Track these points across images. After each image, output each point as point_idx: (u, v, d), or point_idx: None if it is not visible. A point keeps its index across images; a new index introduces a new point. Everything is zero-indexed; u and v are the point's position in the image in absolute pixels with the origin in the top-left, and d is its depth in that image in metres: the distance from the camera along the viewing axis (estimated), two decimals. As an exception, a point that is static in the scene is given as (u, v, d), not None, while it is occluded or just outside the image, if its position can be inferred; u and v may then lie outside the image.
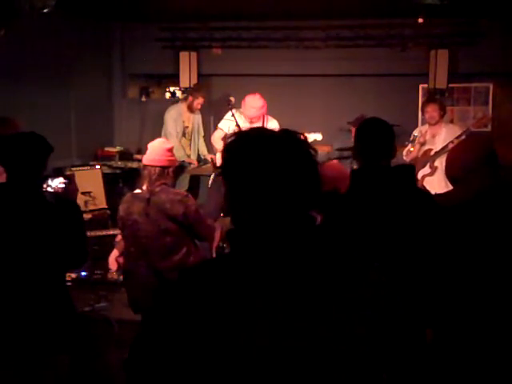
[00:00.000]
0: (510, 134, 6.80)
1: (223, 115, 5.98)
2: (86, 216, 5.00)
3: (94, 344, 3.89)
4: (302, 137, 1.30)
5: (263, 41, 7.32)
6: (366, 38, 7.10)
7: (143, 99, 8.21)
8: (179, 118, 6.79)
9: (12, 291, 2.61)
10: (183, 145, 6.83)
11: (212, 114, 7.50)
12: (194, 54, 7.47)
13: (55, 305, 2.67)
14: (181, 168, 5.65)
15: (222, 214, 5.02)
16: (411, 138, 5.73)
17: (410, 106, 7.24)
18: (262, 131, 1.33)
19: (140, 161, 3.42)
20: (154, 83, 8.41)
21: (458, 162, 2.56)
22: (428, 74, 6.95)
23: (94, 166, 6.38)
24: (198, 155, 6.98)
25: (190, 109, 6.80)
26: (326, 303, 1.20)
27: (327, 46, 7.23)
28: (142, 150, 6.78)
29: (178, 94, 8.07)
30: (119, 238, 3.70)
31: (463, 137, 5.37)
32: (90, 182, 5.65)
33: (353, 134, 4.98)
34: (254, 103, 5.67)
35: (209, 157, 6.62)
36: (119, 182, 6.93)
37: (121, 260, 3.65)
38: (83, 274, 5.16)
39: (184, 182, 6.54)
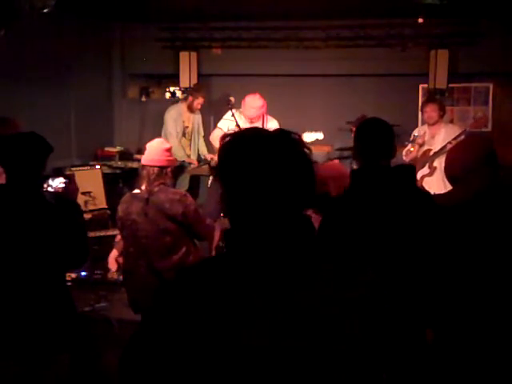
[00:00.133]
0: (510, 133, 6.79)
1: (223, 115, 5.97)
2: (86, 216, 4.99)
3: (94, 344, 3.89)
4: (297, 137, 1.30)
5: (263, 41, 7.31)
6: (366, 38, 7.10)
7: (143, 99, 8.20)
8: (179, 118, 6.78)
9: (12, 291, 2.61)
10: (183, 145, 6.82)
11: (212, 114, 7.49)
12: (193, 54, 7.47)
13: (56, 305, 2.68)
14: (179, 168, 5.65)
15: (221, 214, 5.01)
16: (411, 138, 5.74)
17: (409, 106, 7.23)
18: (257, 131, 1.33)
19: (140, 161, 3.43)
20: (154, 83, 8.39)
21: (458, 161, 2.56)
22: (428, 74, 6.95)
23: (94, 166, 6.38)
24: (198, 155, 6.96)
25: (190, 109, 6.79)
26: (325, 303, 1.20)
27: (327, 46, 7.22)
28: (141, 150, 6.72)
29: (178, 94, 8.06)
30: (118, 238, 3.70)
31: (461, 138, 5.36)
32: (90, 182, 5.64)
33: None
34: (253, 103, 5.66)
35: (209, 157, 6.62)
36: (119, 182, 6.93)
37: (120, 260, 3.65)
38: (83, 273, 5.16)
39: (184, 182, 6.54)
